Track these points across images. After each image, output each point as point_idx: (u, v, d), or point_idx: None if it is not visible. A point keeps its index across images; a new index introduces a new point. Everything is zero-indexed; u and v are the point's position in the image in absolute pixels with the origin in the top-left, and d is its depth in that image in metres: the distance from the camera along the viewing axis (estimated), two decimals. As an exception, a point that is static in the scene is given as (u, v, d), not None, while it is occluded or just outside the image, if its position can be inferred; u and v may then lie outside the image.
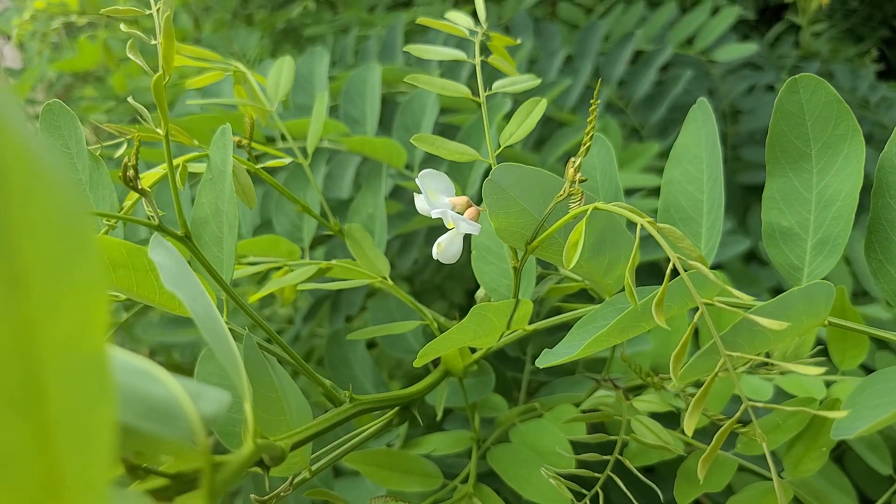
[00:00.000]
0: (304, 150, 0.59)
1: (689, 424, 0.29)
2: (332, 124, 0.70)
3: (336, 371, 0.73)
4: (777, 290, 0.59)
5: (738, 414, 0.30)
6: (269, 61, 0.82)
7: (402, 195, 0.85)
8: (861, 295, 0.99)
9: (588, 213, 0.36)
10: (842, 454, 0.76)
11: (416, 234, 0.92)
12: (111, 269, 0.33)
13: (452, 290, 1.32)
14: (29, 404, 0.14)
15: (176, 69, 0.57)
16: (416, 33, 1.55)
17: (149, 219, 0.36)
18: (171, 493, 0.24)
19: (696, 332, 0.62)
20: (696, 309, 0.33)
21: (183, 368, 1.67)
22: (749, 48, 1.19)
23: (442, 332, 0.60)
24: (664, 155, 1.04)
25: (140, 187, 0.34)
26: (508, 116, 0.90)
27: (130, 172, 0.34)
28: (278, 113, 0.75)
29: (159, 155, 0.67)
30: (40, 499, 0.15)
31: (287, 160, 0.46)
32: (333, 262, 0.54)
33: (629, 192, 0.93)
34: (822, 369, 0.28)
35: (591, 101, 0.38)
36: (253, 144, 0.50)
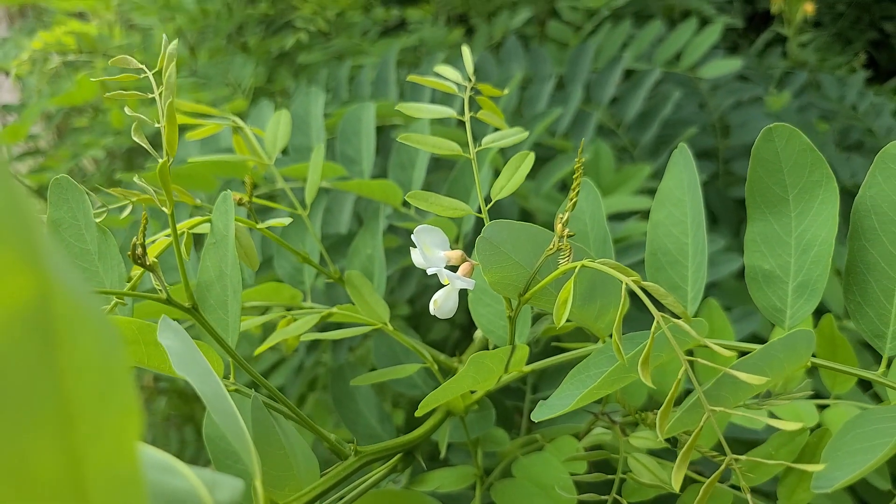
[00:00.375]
0: (302, 200, 0.61)
1: (677, 479, 0.30)
2: (330, 167, 0.72)
3: (341, 406, 0.74)
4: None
5: (720, 470, 0.31)
6: (266, 103, 0.84)
7: (400, 229, 0.87)
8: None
9: (576, 270, 0.38)
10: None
11: (414, 267, 0.93)
12: (122, 345, 0.35)
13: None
14: None
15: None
16: (411, 58, 1.58)
17: (157, 292, 0.38)
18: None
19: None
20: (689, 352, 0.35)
21: (186, 394, 1.69)
22: (734, 63, 1.21)
23: (441, 370, 0.62)
24: (657, 175, 1.06)
25: (148, 263, 0.36)
26: (500, 154, 0.92)
27: (139, 251, 0.36)
28: (277, 157, 0.77)
29: (156, 225, 0.68)
30: None
31: (287, 221, 0.48)
32: (334, 309, 0.56)
33: (624, 217, 0.95)
34: (802, 393, 0.29)
35: (576, 162, 0.39)
36: (254, 200, 0.52)
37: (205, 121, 0.58)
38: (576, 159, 0.41)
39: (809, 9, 1.56)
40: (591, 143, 1.01)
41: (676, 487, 0.31)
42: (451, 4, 1.95)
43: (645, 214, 1.00)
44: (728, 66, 1.24)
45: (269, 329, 1.06)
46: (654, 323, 0.34)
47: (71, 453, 0.16)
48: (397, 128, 0.99)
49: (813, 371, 0.66)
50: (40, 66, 1.69)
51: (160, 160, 0.34)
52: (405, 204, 0.75)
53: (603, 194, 0.98)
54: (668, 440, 0.54)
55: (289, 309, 0.62)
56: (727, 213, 1.27)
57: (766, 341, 0.95)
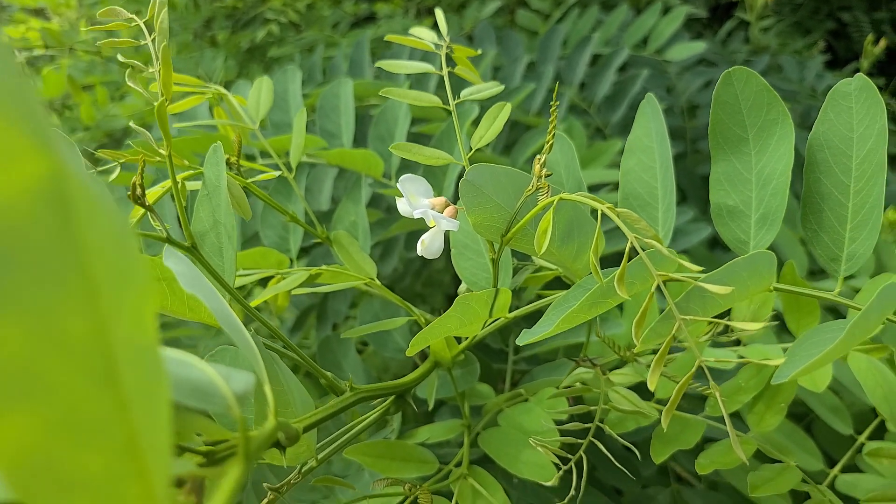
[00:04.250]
0: (287, 165, 0.63)
1: (652, 379, 0.33)
2: (311, 139, 0.74)
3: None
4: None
5: (692, 370, 0.34)
6: (243, 83, 0.85)
7: (379, 203, 0.89)
8: (818, 273, 1.05)
9: (554, 203, 0.40)
10: (810, 422, 0.81)
11: (395, 241, 0.96)
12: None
13: (432, 295, 1.36)
14: (108, 384, 0.18)
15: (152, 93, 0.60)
16: (382, 48, 1.60)
17: (157, 232, 0.39)
18: (211, 463, 0.27)
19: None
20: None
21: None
22: (698, 46, 1.25)
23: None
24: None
25: (147, 204, 0.38)
26: (476, 122, 0.94)
27: (139, 191, 0.37)
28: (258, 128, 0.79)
29: (148, 179, 0.70)
30: (126, 458, 0.18)
31: (276, 173, 0.50)
32: (323, 267, 0.58)
33: (595, 188, 0.98)
34: (762, 324, 0.32)
35: (552, 104, 0.42)
36: (245, 163, 0.54)
37: (192, 88, 0.59)
38: (549, 119, 0.44)
39: (769, -7, 1.61)
40: (563, 120, 1.04)
41: (652, 387, 0.33)
42: (420, -3, 1.98)
43: (616, 186, 1.03)
44: (692, 48, 1.28)
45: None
46: (628, 244, 0.37)
47: (97, 320, 0.17)
48: (375, 108, 1.00)
49: (780, 321, 0.70)
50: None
51: (156, 103, 0.36)
52: (386, 175, 0.78)
53: (576, 168, 1.02)
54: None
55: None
56: (695, 190, 1.31)
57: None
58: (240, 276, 0.57)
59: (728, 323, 0.34)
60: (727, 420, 0.38)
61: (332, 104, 0.80)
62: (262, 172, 0.55)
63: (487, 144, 0.92)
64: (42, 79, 1.59)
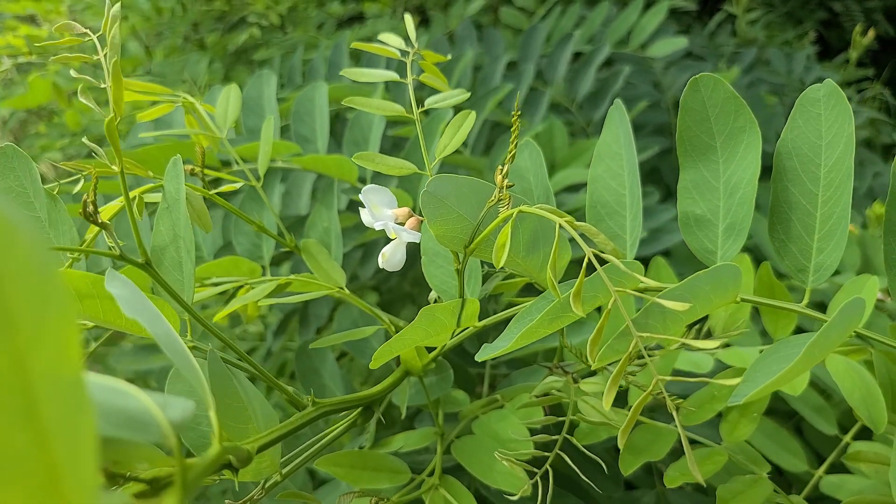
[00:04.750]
0: (256, 173, 0.62)
1: (608, 399, 0.33)
2: (284, 145, 0.73)
3: (307, 382, 0.76)
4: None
5: (651, 387, 0.33)
6: (219, 87, 0.84)
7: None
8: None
9: (513, 216, 0.40)
10: (799, 422, 0.80)
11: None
12: (78, 299, 0.36)
13: (420, 295, 1.35)
14: (27, 418, 0.17)
15: (128, 103, 0.60)
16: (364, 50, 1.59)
17: (110, 249, 0.39)
18: (149, 495, 0.27)
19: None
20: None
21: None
22: (681, 42, 1.24)
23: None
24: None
25: (100, 221, 0.37)
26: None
27: (90, 208, 0.37)
28: (231, 137, 0.78)
29: (116, 187, 0.69)
30: (46, 495, 0.18)
31: (239, 184, 0.49)
32: (291, 277, 0.57)
33: (577, 188, 0.97)
34: (716, 343, 0.32)
35: (513, 114, 0.41)
36: (207, 171, 0.53)
37: (159, 97, 0.58)
38: (531, 134, 0.43)
39: (755, -14, 1.60)
40: (544, 119, 1.04)
41: (607, 406, 0.33)
42: (407, -5, 1.97)
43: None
44: (675, 43, 1.28)
45: (233, 316, 1.07)
46: (586, 259, 0.36)
47: (15, 353, 0.17)
48: (351, 111, 1.00)
49: (758, 320, 0.69)
50: (-9, 71, 1.67)
51: (107, 118, 0.35)
52: (361, 180, 0.77)
53: (558, 168, 1.01)
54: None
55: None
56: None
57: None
58: (207, 286, 0.57)
59: (683, 340, 0.33)
60: (683, 438, 0.38)
61: (306, 108, 0.79)
62: (230, 180, 0.55)
63: (465, 146, 0.91)
64: (28, 85, 1.58)
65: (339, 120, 1.04)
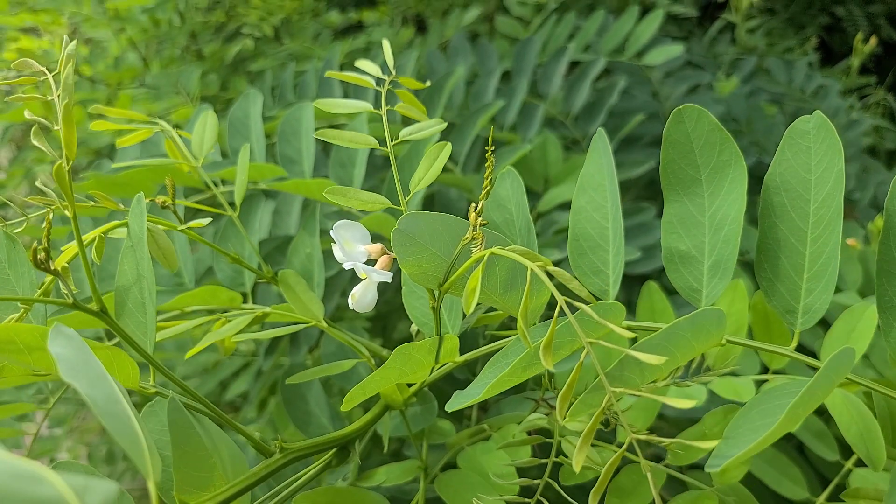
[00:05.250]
0: (232, 203, 0.61)
1: (578, 461, 0.31)
2: (269, 168, 0.72)
3: (292, 407, 0.74)
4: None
5: (619, 454, 0.32)
6: (205, 107, 0.83)
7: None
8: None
9: (485, 258, 0.38)
10: (800, 444, 0.78)
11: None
12: (26, 351, 0.34)
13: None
14: None
15: (108, 131, 0.58)
16: (360, 57, 1.57)
17: (64, 297, 0.37)
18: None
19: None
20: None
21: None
22: (677, 49, 1.22)
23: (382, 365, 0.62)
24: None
25: (53, 268, 0.36)
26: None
27: (41, 255, 0.35)
28: (217, 160, 0.77)
29: (92, 211, 0.67)
30: None
31: (206, 221, 0.47)
32: (269, 308, 0.55)
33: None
34: (692, 402, 0.30)
35: (486, 155, 0.40)
36: (181, 202, 0.52)
37: (137, 126, 0.57)
38: (523, 152, 0.41)
39: (754, -5, 1.58)
40: (538, 134, 1.02)
41: (577, 468, 0.31)
42: (405, 5, 1.95)
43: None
44: (671, 51, 1.26)
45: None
46: (557, 308, 0.34)
47: None
48: (343, 128, 0.98)
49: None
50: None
51: (57, 162, 0.34)
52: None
53: (552, 184, 0.99)
54: (602, 423, 0.54)
55: (226, 311, 0.62)
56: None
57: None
58: (181, 321, 0.55)
59: (665, 400, 0.31)
60: (653, 489, 0.36)
61: (293, 128, 0.78)
62: (209, 210, 0.53)
63: (455, 163, 0.89)
64: (25, 100, 1.57)
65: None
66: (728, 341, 0.41)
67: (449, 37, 1.61)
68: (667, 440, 0.32)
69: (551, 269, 0.36)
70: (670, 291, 0.91)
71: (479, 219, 0.41)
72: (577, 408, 0.34)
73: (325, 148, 0.96)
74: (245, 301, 0.65)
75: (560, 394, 0.32)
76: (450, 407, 0.39)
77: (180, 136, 0.61)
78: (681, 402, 0.30)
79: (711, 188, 0.44)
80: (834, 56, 2.58)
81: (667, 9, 1.35)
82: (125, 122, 0.60)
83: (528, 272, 0.36)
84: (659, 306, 0.68)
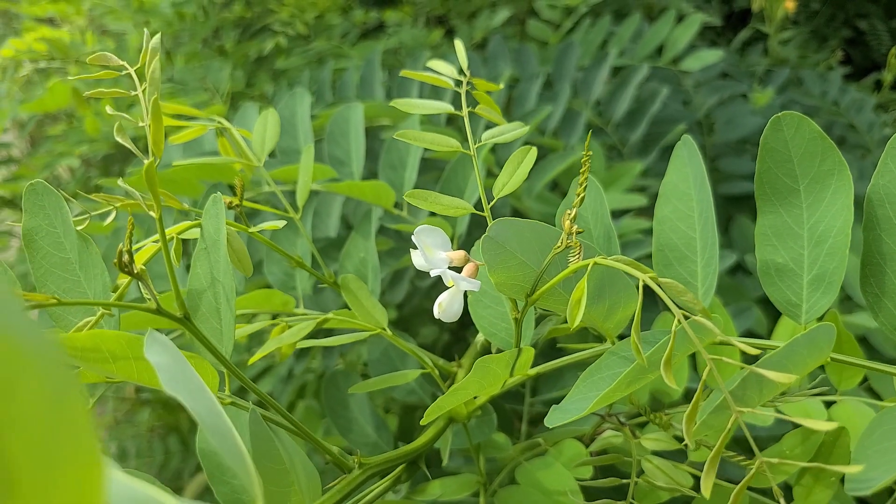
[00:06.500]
0: (291, 203, 0.59)
1: (706, 486, 0.29)
2: (320, 169, 0.70)
3: (335, 415, 0.72)
4: (765, 300, 0.59)
5: (748, 477, 0.30)
6: (251, 105, 0.81)
7: (389, 231, 0.85)
8: (845, 300, 1.00)
9: (589, 268, 0.36)
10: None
11: (406, 268, 0.92)
12: (111, 360, 0.32)
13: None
14: None
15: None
16: (392, 60, 1.56)
17: (145, 300, 0.35)
18: None
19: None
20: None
21: (170, 404, 1.65)
22: (716, 54, 1.21)
23: (442, 376, 0.60)
24: (647, 173, 1.05)
25: (136, 272, 0.34)
26: (494, 149, 0.90)
27: (125, 258, 0.33)
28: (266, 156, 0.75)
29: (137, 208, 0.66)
30: None
31: (281, 224, 0.46)
32: (331, 314, 0.54)
33: (617, 214, 0.93)
34: (834, 424, 0.28)
35: (583, 156, 0.38)
36: (244, 203, 0.50)
37: (188, 123, 0.55)
38: (570, 161, 0.39)
39: (790, 6, 1.56)
40: (581, 141, 1.00)
41: (707, 494, 0.29)
42: (430, 6, 1.94)
43: (639, 211, 0.99)
44: (710, 56, 1.24)
45: (254, 336, 1.04)
46: (675, 321, 0.32)
47: None
48: (385, 129, 0.97)
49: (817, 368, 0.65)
50: (11, 74, 1.65)
51: (146, 161, 0.32)
52: (397, 205, 0.74)
53: (594, 192, 0.97)
54: (676, 437, 0.52)
55: (276, 316, 0.60)
56: (716, 211, 1.26)
57: (762, 338, 0.93)
58: (239, 324, 0.53)
59: (809, 424, 0.30)
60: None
61: (341, 129, 0.76)
62: (268, 212, 0.51)
63: (497, 167, 0.87)
64: (48, 90, 1.56)
65: (369, 135, 1.01)
66: (833, 359, 0.39)
67: (477, 39, 1.60)
68: (799, 463, 0.30)
69: (663, 280, 0.34)
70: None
71: (574, 227, 0.39)
72: (698, 429, 0.32)
73: (367, 148, 0.94)
74: (297, 305, 0.63)
75: (686, 415, 0.30)
76: (550, 422, 0.37)
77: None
78: (823, 425, 0.28)
79: (811, 199, 0.42)
80: (857, 70, 2.56)
81: (701, 16, 1.33)
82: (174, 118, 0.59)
83: (640, 284, 0.34)
84: (721, 320, 0.65)
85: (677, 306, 0.33)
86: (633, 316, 0.36)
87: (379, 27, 1.89)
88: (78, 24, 1.90)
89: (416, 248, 0.43)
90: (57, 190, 0.40)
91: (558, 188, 1.00)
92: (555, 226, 0.43)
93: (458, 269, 0.43)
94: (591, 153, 0.39)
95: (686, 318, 0.33)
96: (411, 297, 1.22)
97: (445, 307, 0.41)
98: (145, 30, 0.38)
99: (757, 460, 0.30)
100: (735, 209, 1.27)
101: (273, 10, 1.58)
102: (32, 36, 1.60)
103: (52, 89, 1.55)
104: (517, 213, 0.93)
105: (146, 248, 0.42)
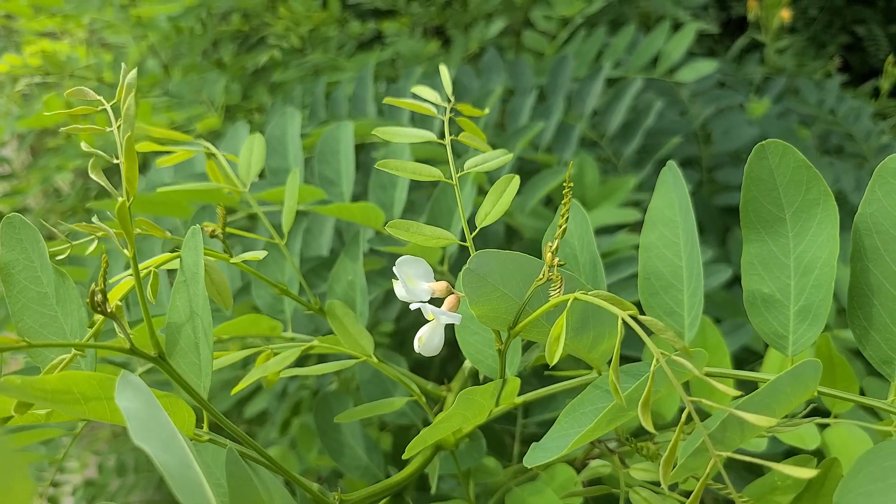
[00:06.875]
0: (279, 225, 0.59)
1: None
2: (308, 190, 0.70)
3: (326, 437, 0.72)
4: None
5: (703, 479, 0.29)
6: (241, 124, 0.81)
7: (381, 253, 0.84)
8: (840, 312, 0.98)
9: (569, 303, 0.36)
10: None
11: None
12: (82, 402, 0.32)
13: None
14: None
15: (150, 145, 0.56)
16: (387, 71, 1.55)
17: (119, 339, 0.35)
18: None
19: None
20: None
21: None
22: (711, 65, 1.20)
23: (429, 399, 0.60)
24: (642, 187, 1.04)
25: (109, 311, 0.33)
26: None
27: (98, 297, 0.33)
28: (253, 181, 0.75)
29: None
30: None
31: (262, 255, 0.45)
32: (315, 341, 0.53)
33: (611, 230, 0.93)
34: (813, 472, 0.27)
35: (564, 189, 0.37)
36: (227, 230, 0.50)
37: (176, 147, 0.55)
38: (563, 176, 0.39)
39: (786, 15, 1.56)
40: (574, 155, 1.00)
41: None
42: (426, 17, 1.94)
43: (633, 227, 0.98)
44: (705, 67, 1.23)
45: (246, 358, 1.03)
46: (654, 362, 0.32)
47: None
48: (377, 146, 0.96)
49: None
50: (9, 89, 1.66)
51: (119, 199, 0.32)
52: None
53: (589, 208, 0.97)
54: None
55: (267, 340, 0.60)
56: (713, 223, 1.26)
57: (759, 355, 0.91)
58: (226, 352, 0.53)
59: (784, 469, 0.29)
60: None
61: (331, 148, 0.76)
62: (254, 238, 0.51)
63: (489, 183, 0.87)
64: (44, 104, 1.56)
65: (362, 151, 1.01)
66: (821, 393, 0.39)
67: (473, 49, 1.59)
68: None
69: (643, 318, 0.33)
70: (716, 320, 0.88)
71: (556, 259, 0.38)
72: (677, 472, 0.31)
73: (358, 165, 0.94)
74: (285, 330, 0.63)
75: (662, 460, 0.29)
76: (529, 462, 0.36)
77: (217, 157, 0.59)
78: (801, 472, 0.28)
79: (797, 228, 0.41)
80: (855, 76, 2.55)
81: (696, 25, 1.33)
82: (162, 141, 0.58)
83: (619, 321, 0.34)
84: (712, 342, 0.65)
85: (656, 344, 0.33)
86: (607, 343, 0.35)
87: (377, 37, 1.89)
88: (78, 37, 1.90)
89: (397, 278, 0.42)
90: (31, 223, 0.39)
91: (552, 203, 0.99)
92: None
93: (440, 301, 0.43)
94: (572, 185, 0.39)
95: (673, 351, 0.33)
96: (407, 312, 1.22)
97: (425, 341, 0.40)
98: (122, 65, 0.38)
99: (742, 500, 0.30)
100: (732, 220, 1.27)
101: (269, 23, 1.58)
102: (31, 50, 1.61)
103: (48, 104, 1.55)
104: (510, 230, 0.92)
105: (123, 283, 0.41)
